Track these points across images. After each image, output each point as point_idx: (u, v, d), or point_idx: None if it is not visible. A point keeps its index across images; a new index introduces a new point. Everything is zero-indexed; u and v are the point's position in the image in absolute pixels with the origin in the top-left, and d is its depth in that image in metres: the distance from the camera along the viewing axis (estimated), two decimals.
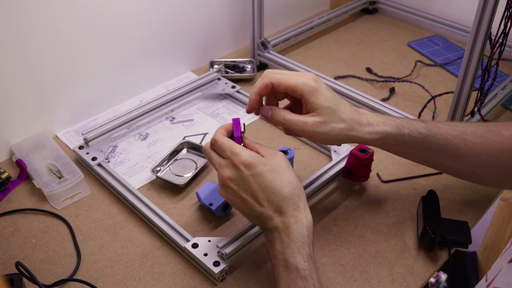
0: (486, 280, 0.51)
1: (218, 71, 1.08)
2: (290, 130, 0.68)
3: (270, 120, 0.68)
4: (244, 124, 0.66)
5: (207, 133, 0.94)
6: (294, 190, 0.61)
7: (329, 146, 0.87)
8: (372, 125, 0.67)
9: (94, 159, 0.84)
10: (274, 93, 0.69)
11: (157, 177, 0.83)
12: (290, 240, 0.59)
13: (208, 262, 0.67)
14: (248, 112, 0.69)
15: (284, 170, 0.62)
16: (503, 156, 0.68)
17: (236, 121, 0.66)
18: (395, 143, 0.69)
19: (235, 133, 0.65)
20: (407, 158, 0.74)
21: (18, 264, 0.63)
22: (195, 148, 0.89)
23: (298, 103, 0.68)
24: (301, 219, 0.60)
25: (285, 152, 0.82)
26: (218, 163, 0.63)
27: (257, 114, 0.69)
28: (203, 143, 0.91)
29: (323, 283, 0.67)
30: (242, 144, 0.65)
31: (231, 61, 1.12)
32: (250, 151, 0.62)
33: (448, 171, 0.75)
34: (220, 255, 0.67)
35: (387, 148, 0.71)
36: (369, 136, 0.67)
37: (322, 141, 0.67)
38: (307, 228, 0.60)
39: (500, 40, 0.79)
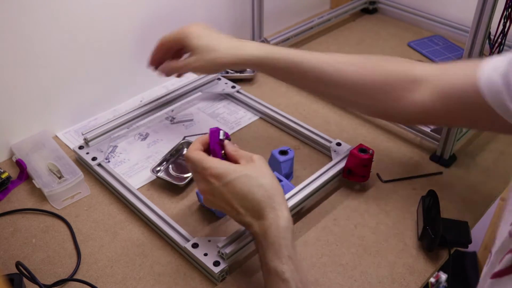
0: None
1: None
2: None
3: (164, 71, 0.84)
4: (223, 132, 0.68)
5: (207, 133, 0.94)
6: (267, 193, 0.62)
7: (329, 146, 0.87)
8: (245, 49, 0.77)
9: (94, 159, 0.84)
10: (169, 51, 0.84)
11: (157, 177, 0.83)
12: (267, 244, 0.60)
13: (208, 262, 0.67)
14: (150, 64, 0.86)
15: (256, 174, 0.63)
16: (376, 85, 0.71)
17: (213, 132, 0.68)
18: (268, 67, 0.78)
19: (211, 144, 0.68)
20: (285, 82, 0.85)
21: (18, 264, 0.63)
22: None
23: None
24: (277, 221, 0.60)
25: (285, 152, 0.82)
26: (195, 178, 0.67)
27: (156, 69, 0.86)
28: None
29: (323, 283, 0.68)
30: (222, 152, 0.67)
31: None
32: (220, 162, 0.64)
33: (325, 96, 0.86)
34: (220, 255, 0.67)
35: (263, 71, 0.81)
36: (237, 59, 0.78)
37: (208, 71, 0.88)
38: (284, 229, 0.60)
39: (499, 39, 0.79)
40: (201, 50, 0.78)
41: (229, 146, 0.68)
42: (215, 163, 0.64)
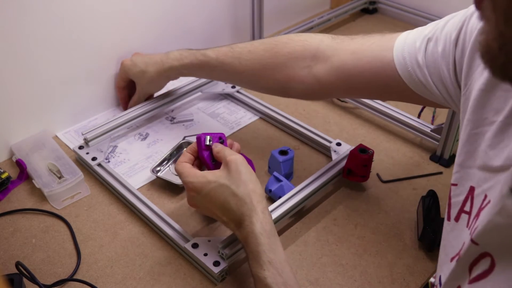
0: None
1: None
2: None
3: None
4: (209, 137, 0.69)
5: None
6: (240, 201, 0.62)
7: (329, 146, 0.87)
8: (163, 64, 0.87)
9: (94, 159, 0.84)
10: (125, 89, 0.96)
11: (157, 177, 0.83)
12: (248, 251, 0.61)
13: (208, 262, 0.67)
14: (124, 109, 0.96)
15: (230, 181, 0.63)
16: (276, 69, 0.76)
17: (197, 139, 0.70)
18: (181, 72, 0.89)
19: (199, 152, 0.70)
20: (207, 79, 0.98)
21: (18, 264, 0.63)
22: None
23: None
24: (252, 228, 0.61)
25: (285, 152, 0.82)
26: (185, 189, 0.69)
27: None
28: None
29: (323, 283, 0.68)
30: (212, 158, 0.69)
31: None
32: (196, 174, 0.66)
33: (233, 82, 0.96)
34: (220, 255, 0.67)
35: (187, 75, 0.92)
36: (163, 73, 0.88)
37: (154, 90, 0.96)
38: (259, 235, 0.60)
39: None
40: (137, 77, 0.91)
41: (215, 149, 0.68)
42: (192, 177, 0.65)
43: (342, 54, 0.69)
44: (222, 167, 0.66)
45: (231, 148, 0.69)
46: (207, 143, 0.69)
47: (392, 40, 0.64)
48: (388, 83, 0.64)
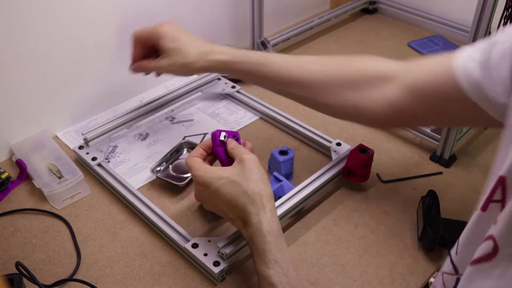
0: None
1: None
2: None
3: (135, 70, 0.84)
4: (224, 133, 0.69)
5: (207, 133, 0.94)
6: (249, 199, 0.62)
7: (329, 146, 0.87)
8: (211, 54, 0.78)
9: (94, 159, 0.84)
10: (143, 47, 0.83)
11: (157, 177, 0.83)
12: (254, 249, 0.61)
13: (208, 262, 0.67)
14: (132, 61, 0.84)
15: (241, 179, 0.63)
16: (343, 83, 0.70)
17: (212, 135, 0.70)
18: (233, 70, 0.78)
19: (213, 148, 0.70)
20: (253, 83, 0.87)
21: (18, 264, 0.63)
22: None
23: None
24: (259, 226, 0.61)
25: (285, 152, 0.82)
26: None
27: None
28: None
29: (323, 283, 0.67)
30: (226, 154, 0.69)
31: None
32: (206, 169, 0.65)
33: (292, 97, 0.79)
34: (220, 255, 0.67)
35: (230, 74, 0.85)
36: (208, 64, 0.78)
37: (179, 74, 0.86)
38: (266, 234, 0.60)
39: None
40: (174, 53, 0.79)
41: (229, 145, 0.68)
42: (201, 171, 0.65)
43: (411, 72, 0.66)
44: (235, 164, 0.66)
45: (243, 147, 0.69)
46: (222, 139, 0.69)
47: (455, 55, 0.61)
48: (456, 98, 0.60)
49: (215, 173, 0.64)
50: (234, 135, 0.71)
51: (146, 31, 0.82)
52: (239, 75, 0.84)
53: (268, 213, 0.62)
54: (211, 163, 0.71)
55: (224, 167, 0.66)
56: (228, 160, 0.69)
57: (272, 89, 0.81)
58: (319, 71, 0.72)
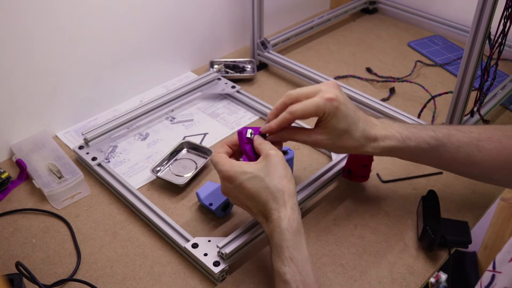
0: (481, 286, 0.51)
1: (218, 71, 1.08)
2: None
3: (284, 140, 0.72)
4: (251, 131, 0.69)
5: (207, 133, 0.94)
6: (271, 194, 0.62)
7: None
8: (377, 141, 0.69)
9: (94, 159, 0.84)
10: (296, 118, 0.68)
11: (157, 177, 0.83)
12: (272, 245, 0.61)
13: (208, 262, 0.67)
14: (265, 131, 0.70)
15: (264, 174, 0.63)
16: None
17: (239, 133, 0.69)
18: (401, 155, 0.71)
19: (240, 146, 0.69)
20: (418, 163, 0.75)
21: (18, 264, 0.63)
22: (195, 148, 0.89)
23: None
24: (279, 223, 0.61)
25: (285, 152, 0.82)
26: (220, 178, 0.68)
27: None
28: (203, 143, 0.91)
29: (322, 283, 0.67)
30: (253, 151, 0.68)
31: (231, 61, 1.12)
32: (232, 164, 0.65)
33: (462, 174, 0.75)
34: (220, 255, 0.67)
35: (394, 156, 0.72)
36: (373, 150, 0.69)
37: (331, 150, 0.82)
38: (285, 231, 0.60)
39: (500, 40, 0.79)
40: (337, 132, 0.67)
41: (256, 141, 0.68)
42: (227, 166, 0.65)
43: None
44: (260, 159, 0.65)
45: None
46: (249, 136, 0.69)
47: None
48: None
49: (240, 167, 0.64)
50: (257, 130, 0.70)
51: (312, 104, 0.65)
52: (404, 157, 0.73)
53: (289, 210, 0.62)
54: (236, 160, 0.71)
55: (250, 162, 0.66)
56: (256, 156, 0.68)
57: (434, 166, 0.75)
58: (493, 149, 0.68)
